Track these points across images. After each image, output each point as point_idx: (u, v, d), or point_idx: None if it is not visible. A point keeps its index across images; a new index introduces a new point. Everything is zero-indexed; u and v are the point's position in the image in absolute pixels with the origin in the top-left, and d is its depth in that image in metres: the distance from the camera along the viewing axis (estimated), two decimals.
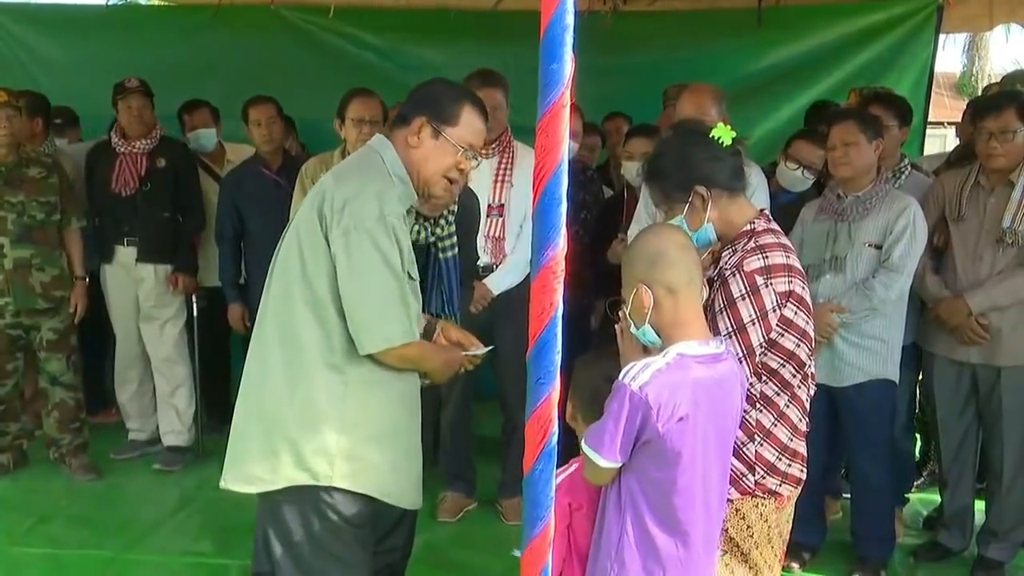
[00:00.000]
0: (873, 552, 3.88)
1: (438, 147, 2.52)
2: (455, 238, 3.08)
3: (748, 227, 2.43)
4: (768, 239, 2.41)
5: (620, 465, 2.10)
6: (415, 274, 2.53)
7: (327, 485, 2.47)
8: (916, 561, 4.05)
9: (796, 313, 2.38)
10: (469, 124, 2.53)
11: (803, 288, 2.42)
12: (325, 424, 2.45)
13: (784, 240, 2.46)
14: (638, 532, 2.10)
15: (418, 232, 2.93)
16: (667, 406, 2.01)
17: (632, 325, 2.18)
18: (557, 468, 1.75)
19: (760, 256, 2.36)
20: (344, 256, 2.39)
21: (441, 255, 3.06)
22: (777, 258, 2.37)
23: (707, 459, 2.12)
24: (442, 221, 3.04)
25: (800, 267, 2.45)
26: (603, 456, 2.07)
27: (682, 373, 2.06)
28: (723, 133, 2.43)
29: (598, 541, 2.20)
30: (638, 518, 2.10)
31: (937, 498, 4.31)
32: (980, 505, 4.09)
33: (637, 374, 2.03)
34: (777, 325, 2.35)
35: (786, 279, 2.36)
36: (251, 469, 2.54)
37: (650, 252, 2.16)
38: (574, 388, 2.38)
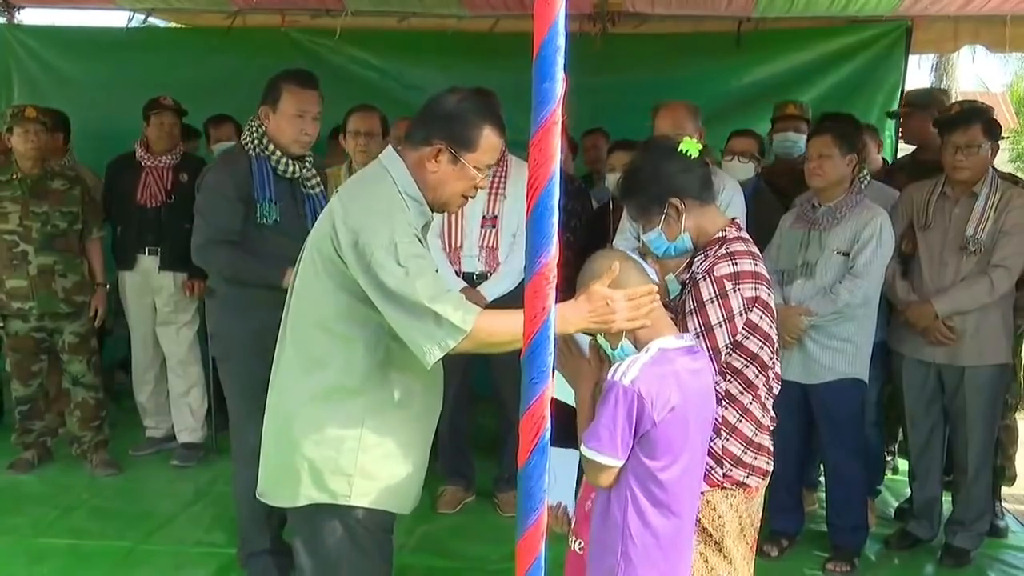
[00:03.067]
0: (848, 541, 3.89)
1: (457, 171, 2.33)
2: (317, 178, 3.47)
3: (719, 234, 2.44)
4: (738, 247, 2.42)
5: (622, 463, 2.04)
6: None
7: (346, 504, 2.38)
8: (888, 549, 4.06)
9: (761, 318, 2.39)
10: (488, 147, 2.34)
11: (769, 295, 2.42)
12: (343, 445, 2.34)
13: (753, 248, 2.47)
14: (639, 523, 2.07)
15: (285, 169, 3.34)
16: (659, 397, 2.00)
17: (608, 348, 2.16)
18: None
19: (730, 262, 2.36)
20: (376, 291, 2.22)
21: (311, 191, 3.44)
22: (746, 265, 2.38)
23: (694, 446, 2.12)
24: (307, 162, 3.43)
25: (767, 275, 2.46)
26: (605, 454, 2.01)
27: (667, 365, 2.06)
28: (690, 146, 2.43)
29: (600, 535, 2.15)
30: (638, 510, 2.07)
31: (907, 490, 4.32)
32: (947, 496, 4.11)
33: (626, 370, 2.02)
34: (743, 328, 2.36)
35: (753, 285, 2.37)
36: (275, 486, 2.48)
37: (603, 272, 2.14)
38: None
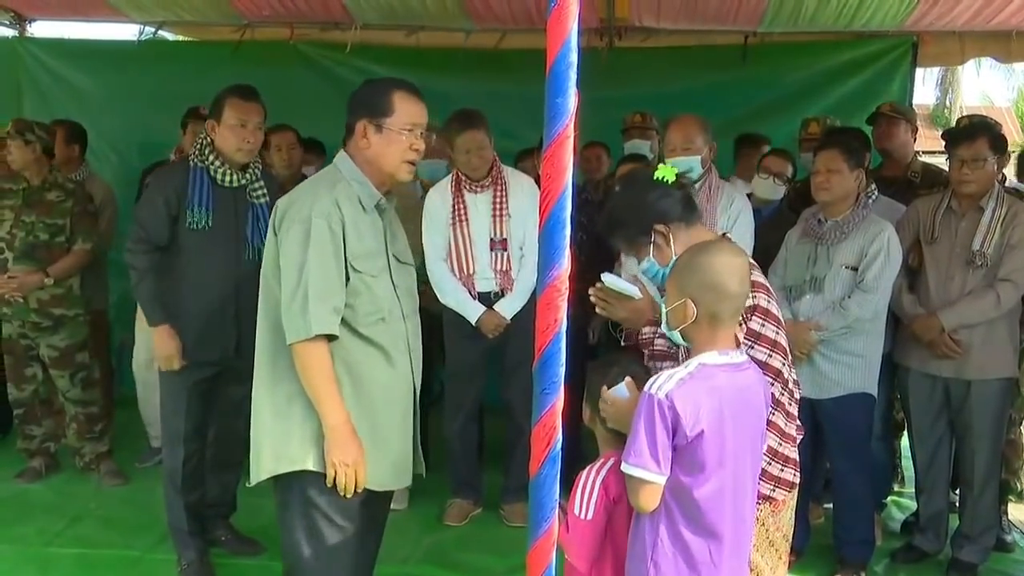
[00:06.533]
0: (854, 554, 3.88)
1: (384, 139, 2.54)
2: (264, 189, 3.62)
3: None
4: None
5: (665, 478, 2.02)
6: (368, 267, 2.53)
7: (302, 470, 2.52)
8: (894, 563, 4.05)
9: (763, 325, 2.38)
10: (404, 107, 2.55)
11: (768, 301, 2.41)
12: (296, 410, 2.51)
13: (751, 260, 2.46)
14: (672, 537, 2.06)
15: (223, 178, 3.51)
16: (692, 413, 1.99)
17: (665, 323, 2.19)
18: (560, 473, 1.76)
19: None
20: (282, 258, 2.50)
21: (257, 200, 3.59)
22: None
23: (737, 464, 2.08)
24: (248, 174, 3.58)
25: (765, 282, 2.45)
26: (649, 470, 1.99)
27: (705, 382, 2.04)
28: (666, 172, 2.46)
29: (633, 545, 2.15)
30: (671, 523, 2.06)
31: (913, 503, 4.31)
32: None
33: (663, 384, 2.01)
34: (745, 338, 2.35)
35: (751, 294, 2.36)
36: (252, 463, 2.63)
37: (712, 278, 2.10)
38: (591, 392, 2.37)
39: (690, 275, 2.13)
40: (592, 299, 2.59)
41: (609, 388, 2.30)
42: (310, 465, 2.52)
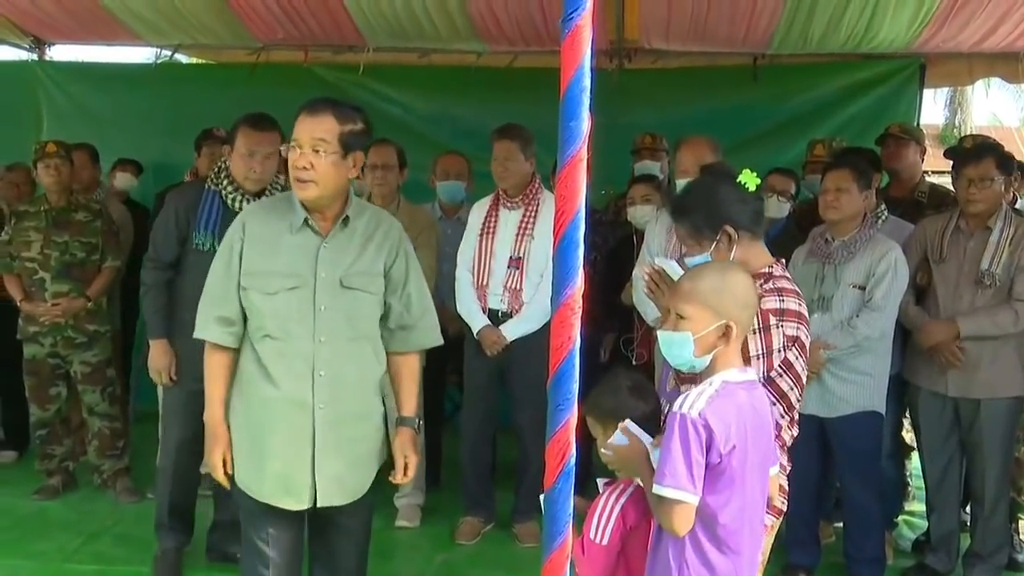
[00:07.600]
0: (864, 573, 3.88)
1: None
2: None
3: (766, 270, 2.43)
4: (785, 284, 2.42)
5: (698, 500, 2.00)
6: (261, 285, 2.64)
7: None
8: None
9: (797, 359, 2.39)
10: (295, 129, 2.62)
11: (807, 337, 2.42)
12: None
13: (798, 288, 2.47)
14: (698, 558, 2.05)
15: (233, 203, 3.58)
16: (724, 430, 2.00)
17: (692, 349, 2.13)
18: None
19: (778, 298, 2.36)
20: None
21: None
22: (792, 304, 2.38)
23: (753, 481, 2.10)
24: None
25: (807, 315, 2.45)
26: (686, 491, 1.98)
27: (730, 399, 2.06)
28: (748, 179, 2.45)
29: (654, 570, 2.14)
30: (697, 545, 2.05)
31: (924, 522, 4.31)
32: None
33: (693, 402, 2.01)
34: (778, 365, 2.36)
35: (796, 325, 2.37)
36: None
37: (747, 298, 2.16)
38: (594, 408, 2.38)
39: (729, 297, 2.13)
40: (644, 277, 2.59)
41: (609, 428, 2.30)
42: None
